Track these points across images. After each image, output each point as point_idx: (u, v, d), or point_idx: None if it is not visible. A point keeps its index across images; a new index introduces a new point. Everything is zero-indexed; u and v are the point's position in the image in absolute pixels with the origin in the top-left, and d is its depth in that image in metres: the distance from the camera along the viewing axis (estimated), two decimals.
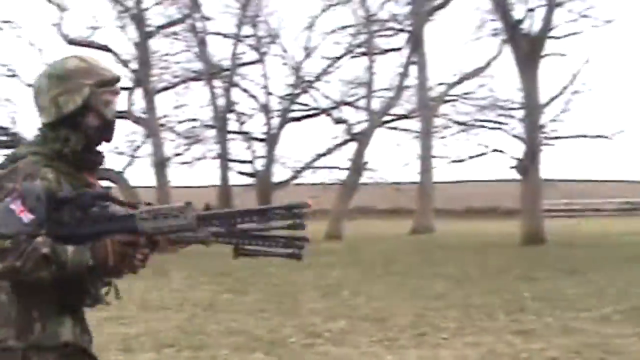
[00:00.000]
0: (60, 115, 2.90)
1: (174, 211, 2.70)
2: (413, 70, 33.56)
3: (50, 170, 2.83)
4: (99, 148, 3.02)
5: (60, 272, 2.69)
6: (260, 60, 34.14)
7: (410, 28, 33.40)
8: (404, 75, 33.46)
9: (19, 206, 2.71)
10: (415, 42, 33.36)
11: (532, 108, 24.68)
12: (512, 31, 24.21)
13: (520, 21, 24.47)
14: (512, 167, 24.43)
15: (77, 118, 2.91)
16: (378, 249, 22.29)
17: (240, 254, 2.85)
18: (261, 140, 34.36)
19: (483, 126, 32.23)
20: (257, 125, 35.58)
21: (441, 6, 34.20)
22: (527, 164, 23.99)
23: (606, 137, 28.54)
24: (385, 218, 41.71)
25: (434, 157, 34.58)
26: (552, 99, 26.87)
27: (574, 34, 27.38)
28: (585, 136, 29.19)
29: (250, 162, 34.00)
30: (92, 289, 2.90)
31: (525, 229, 23.67)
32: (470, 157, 31.50)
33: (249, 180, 34.22)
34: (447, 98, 35.90)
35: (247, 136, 34.69)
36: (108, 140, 3.02)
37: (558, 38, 27.88)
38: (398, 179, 36.19)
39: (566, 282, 13.49)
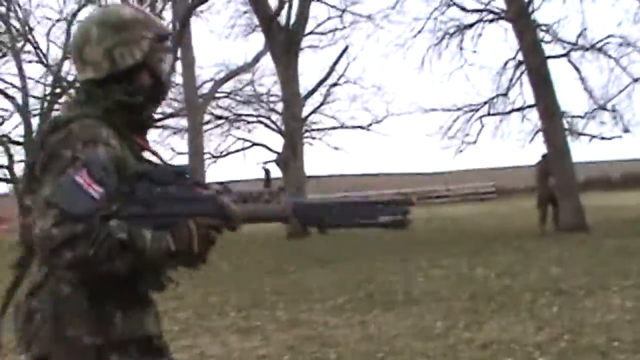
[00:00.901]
0: (114, 70, 2.47)
1: (265, 195, 2.44)
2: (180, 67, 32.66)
3: (111, 134, 2.39)
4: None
5: (136, 260, 2.26)
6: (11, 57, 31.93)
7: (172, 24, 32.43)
8: (170, 72, 32.38)
9: (85, 178, 2.24)
10: (179, 39, 32.47)
11: (290, 101, 24.49)
12: (268, 24, 23.89)
13: (276, 14, 24.21)
14: (272, 162, 24.16)
15: (131, 75, 2.49)
16: None
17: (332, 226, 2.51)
18: (19, 143, 32.27)
19: (246, 120, 31.81)
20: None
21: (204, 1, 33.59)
22: (288, 158, 23.77)
23: (364, 128, 28.91)
24: None
25: (205, 154, 33.89)
26: (311, 92, 27.05)
27: (336, 30, 27.78)
28: (343, 127, 29.42)
29: (8, 167, 31.82)
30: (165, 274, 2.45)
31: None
32: (229, 153, 30.86)
33: (6, 188, 32.16)
34: (217, 95, 35.33)
35: (3, 139, 32.48)
36: (157, 104, 2.64)
37: (324, 33, 28.22)
38: None
39: (315, 273, 13.21)
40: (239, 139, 31.56)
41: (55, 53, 31.55)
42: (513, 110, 22.37)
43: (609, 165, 54.85)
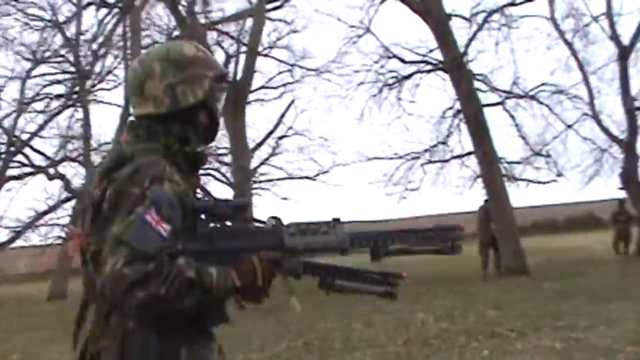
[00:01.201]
0: (176, 107, 2.43)
1: (323, 227, 2.41)
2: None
3: (174, 171, 2.34)
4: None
5: (204, 297, 2.20)
6: None
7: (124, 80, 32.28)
8: (122, 127, 32.18)
9: (154, 216, 2.20)
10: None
11: (238, 153, 24.31)
12: None
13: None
14: None
15: (193, 115, 2.47)
16: None
17: (330, 288, 2.46)
18: None
19: None
20: None
21: None
22: None
23: (310, 178, 28.81)
24: None
25: None
26: (259, 144, 27.01)
27: (286, 84, 27.82)
28: (291, 177, 29.28)
29: None
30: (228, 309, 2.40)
31: None
32: None
33: None
34: None
35: None
36: (211, 141, 2.62)
37: (275, 87, 28.22)
38: None
39: (257, 321, 12.93)
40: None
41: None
42: (453, 157, 22.45)
43: (554, 208, 55.43)
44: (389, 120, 22.48)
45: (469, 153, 21.29)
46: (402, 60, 21.72)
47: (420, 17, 19.42)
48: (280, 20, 28.12)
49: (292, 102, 27.47)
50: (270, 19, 27.83)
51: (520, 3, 20.81)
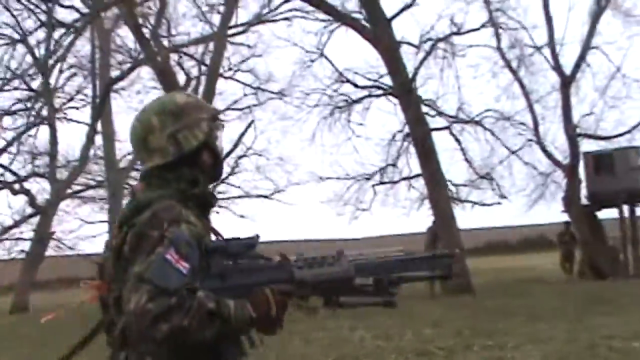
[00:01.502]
0: (181, 153, 2.50)
1: (328, 259, 2.49)
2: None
3: (190, 213, 2.41)
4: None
5: (223, 328, 2.24)
6: None
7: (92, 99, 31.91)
8: (88, 145, 31.81)
9: (174, 255, 2.26)
10: (99, 112, 31.92)
11: None
12: None
13: (183, 90, 23.95)
14: None
15: (195, 156, 2.53)
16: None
17: (335, 305, 2.53)
18: None
19: None
20: None
21: (123, 76, 33.22)
22: None
23: (266, 197, 28.62)
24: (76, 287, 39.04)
25: None
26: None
27: (250, 107, 27.72)
28: (248, 196, 29.04)
29: None
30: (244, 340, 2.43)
31: None
32: None
33: None
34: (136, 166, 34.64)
35: None
36: (217, 179, 2.68)
37: (240, 109, 28.09)
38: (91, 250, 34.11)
39: None
40: None
41: None
42: (402, 179, 22.42)
43: (508, 230, 55.77)
44: (340, 142, 22.35)
45: (417, 175, 21.25)
46: (355, 85, 21.68)
47: (370, 43, 19.40)
48: (242, 44, 28.01)
49: (252, 122, 27.35)
50: (232, 43, 27.78)
51: (465, 32, 20.94)
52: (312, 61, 21.69)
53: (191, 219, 2.38)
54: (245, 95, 28.30)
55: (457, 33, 20.78)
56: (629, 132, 23.54)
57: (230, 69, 27.52)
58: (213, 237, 2.51)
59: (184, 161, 2.51)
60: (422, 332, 11.56)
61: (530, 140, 22.97)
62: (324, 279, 2.46)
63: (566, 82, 22.93)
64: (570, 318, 11.91)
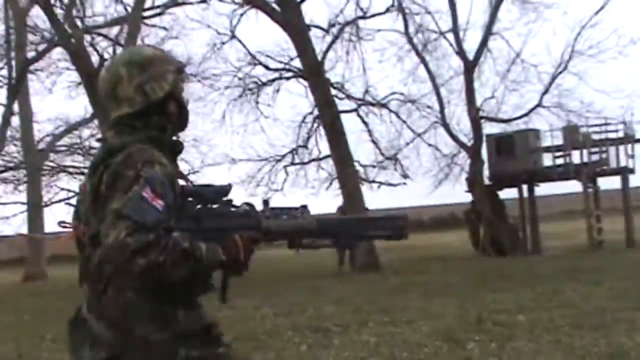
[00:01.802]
0: (148, 102, 2.56)
1: (294, 212, 2.64)
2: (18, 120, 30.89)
3: (162, 155, 2.47)
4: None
5: (195, 267, 2.34)
6: None
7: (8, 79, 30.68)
8: (5, 125, 30.59)
9: (149, 194, 2.31)
10: (15, 93, 30.73)
11: None
12: (90, 81, 22.76)
13: (96, 72, 23.10)
14: None
15: (163, 105, 2.58)
16: None
17: (298, 246, 2.72)
18: None
19: (68, 172, 30.32)
20: None
21: (38, 57, 32.06)
22: None
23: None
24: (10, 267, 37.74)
25: (44, 206, 31.92)
26: None
27: None
28: None
29: None
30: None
31: None
32: (47, 205, 29.46)
33: None
34: (57, 148, 33.57)
35: None
36: (184, 128, 2.72)
37: None
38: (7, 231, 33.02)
39: None
40: (62, 189, 30.14)
41: None
42: (312, 160, 22.25)
43: (421, 209, 56.40)
44: (249, 123, 22.00)
45: (327, 156, 21.11)
46: (267, 67, 21.37)
47: (280, 26, 19.11)
48: (157, 26, 27.29)
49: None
50: (147, 25, 27.04)
51: (371, 16, 20.82)
52: (223, 43, 21.23)
53: (163, 160, 2.46)
54: None
55: (363, 17, 20.66)
56: (526, 115, 23.95)
57: None
58: (182, 183, 2.57)
59: (151, 110, 2.58)
60: (323, 309, 11.46)
61: (436, 122, 23.07)
62: (288, 230, 2.63)
63: (469, 67, 23.18)
64: (464, 294, 11.96)
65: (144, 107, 2.57)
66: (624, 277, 12.91)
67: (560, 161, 22.63)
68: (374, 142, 21.72)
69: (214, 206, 2.56)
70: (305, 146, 21.95)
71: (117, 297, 2.44)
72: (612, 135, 22.48)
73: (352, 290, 14.02)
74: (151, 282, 2.34)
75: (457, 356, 7.22)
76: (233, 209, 2.60)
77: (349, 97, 21.17)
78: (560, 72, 23.26)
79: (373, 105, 21.33)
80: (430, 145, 22.00)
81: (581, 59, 23.17)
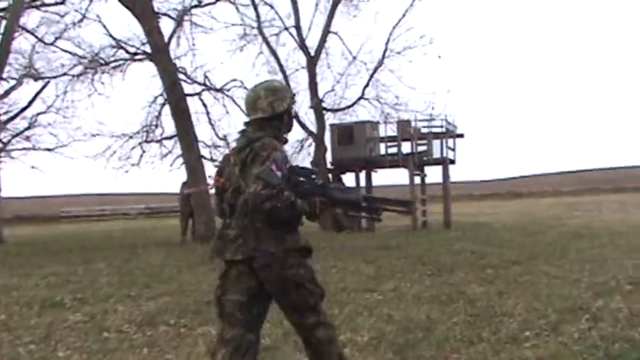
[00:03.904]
0: (273, 113, 3.75)
1: (346, 188, 4.24)
2: None
3: (281, 146, 3.71)
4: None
5: (294, 212, 3.55)
6: None
7: None
8: None
9: (274, 167, 3.50)
10: None
11: None
12: None
13: None
14: None
15: (282, 117, 3.78)
16: None
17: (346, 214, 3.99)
18: None
19: None
20: None
21: None
22: None
23: (51, 150, 26.81)
24: None
25: None
26: (12, 118, 24.90)
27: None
28: (35, 149, 26.93)
29: None
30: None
31: None
32: None
33: None
34: None
35: None
36: (290, 130, 3.91)
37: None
38: None
39: None
40: None
41: None
42: (162, 139, 21.45)
43: None
44: (89, 104, 20.85)
45: (174, 136, 20.38)
46: (123, 48, 20.39)
47: (129, 10, 18.19)
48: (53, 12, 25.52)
49: (47, 83, 25.23)
50: (33, 7, 25.29)
51: (204, 5, 20.18)
52: (75, 23, 20.10)
53: (283, 148, 3.68)
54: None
55: (198, 5, 19.99)
56: (350, 106, 24.07)
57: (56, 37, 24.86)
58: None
59: (274, 118, 3.74)
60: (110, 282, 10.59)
61: None
62: (344, 199, 3.73)
63: (311, 61, 22.86)
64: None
65: (271, 115, 3.73)
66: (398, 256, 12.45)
67: (392, 150, 22.70)
68: (211, 124, 21.17)
69: (305, 179, 3.67)
70: (156, 125, 21.10)
71: (252, 224, 3.58)
72: (436, 130, 22.74)
73: (175, 260, 13.40)
74: (272, 217, 3.48)
75: None
76: (314, 182, 3.68)
77: (193, 81, 20.50)
78: (377, 68, 23.40)
79: (217, 90, 20.75)
80: None
81: (396, 58, 23.35)
